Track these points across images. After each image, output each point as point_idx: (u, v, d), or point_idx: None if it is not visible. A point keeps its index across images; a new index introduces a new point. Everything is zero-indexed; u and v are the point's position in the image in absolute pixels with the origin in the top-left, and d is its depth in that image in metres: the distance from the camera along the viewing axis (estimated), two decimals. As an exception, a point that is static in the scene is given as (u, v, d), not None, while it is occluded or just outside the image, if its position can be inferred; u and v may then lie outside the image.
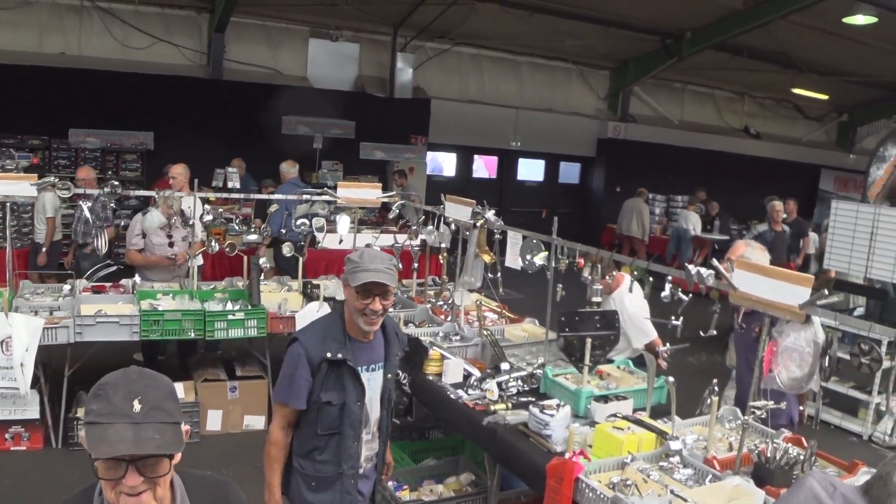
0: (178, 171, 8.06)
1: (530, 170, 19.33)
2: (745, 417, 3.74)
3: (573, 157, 19.55)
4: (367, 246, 4.60)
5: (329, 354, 3.45)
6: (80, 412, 6.36)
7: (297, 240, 7.43)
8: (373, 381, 3.64)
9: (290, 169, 10.49)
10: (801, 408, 4.61)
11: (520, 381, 5.04)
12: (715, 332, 4.12)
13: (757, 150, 20.74)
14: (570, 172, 19.90)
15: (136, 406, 1.87)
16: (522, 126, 17.77)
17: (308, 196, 7.83)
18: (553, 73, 18.23)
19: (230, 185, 11.26)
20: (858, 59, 16.63)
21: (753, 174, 19.72)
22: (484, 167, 18.85)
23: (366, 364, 3.60)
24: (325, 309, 6.55)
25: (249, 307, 6.72)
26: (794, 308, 3.35)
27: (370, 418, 3.67)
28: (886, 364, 7.79)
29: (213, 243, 7.22)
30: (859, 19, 13.02)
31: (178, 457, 2.01)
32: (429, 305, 6.70)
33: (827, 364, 3.32)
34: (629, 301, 5.30)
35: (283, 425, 3.59)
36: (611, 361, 5.34)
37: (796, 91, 19.78)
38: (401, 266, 7.50)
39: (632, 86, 18.63)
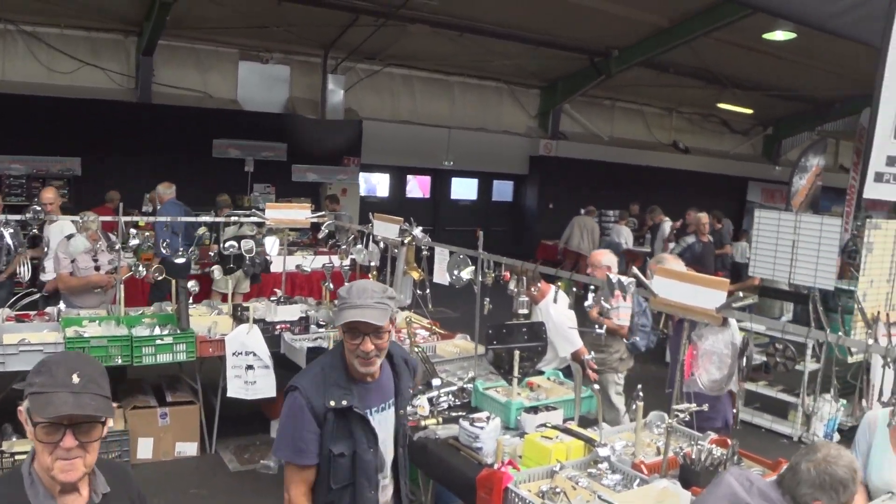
0: (48, 197, 7.86)
1: (464, 188, 19.48)
2: (670, 421, 3.80)
3: (506, 175, 19.74)
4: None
5: (333, 403, 3.05)
6: (6, 445, 6.18)
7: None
8: (384, 421, 3.24)
9: (166, 190, 10.26)
10: (734, 410, 4.69)
11: (451, 396, 5.06)
12: (637, 339, 4.19)
13: (686, 165, 21.17)
14: (503, 190, 20.09)
15: (76, 379, 2.16)
16: (455, 145, 17.86)
17: (237, 218, 7.75)
18: (484, 93, 18.39)
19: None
20: (780, 74, 17.09)
21: (683, 188, 20.08)
22: (418, 187, 18.90)
23: (375, 405, 3.20)
24: (255, 332, 6.51)
25: (178, 331, 6.61)
26: (712, 311, 3.42)
27: (385, 462, 3.29)
28: (813, 366, 8.00)
29: (140, 268, 7.10)
30: (779, 35, 13.39)
31: (106, 429, 2.24)
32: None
33: (744, 364, 3.39)
34: (554, 311, 5.36)
35: (304, 490, 3.15)
36: (541, 373, 5.39)
37: (722, 106, 20.26)
38: (332, 286, 7.50)
39: (562, 104, 18.87)
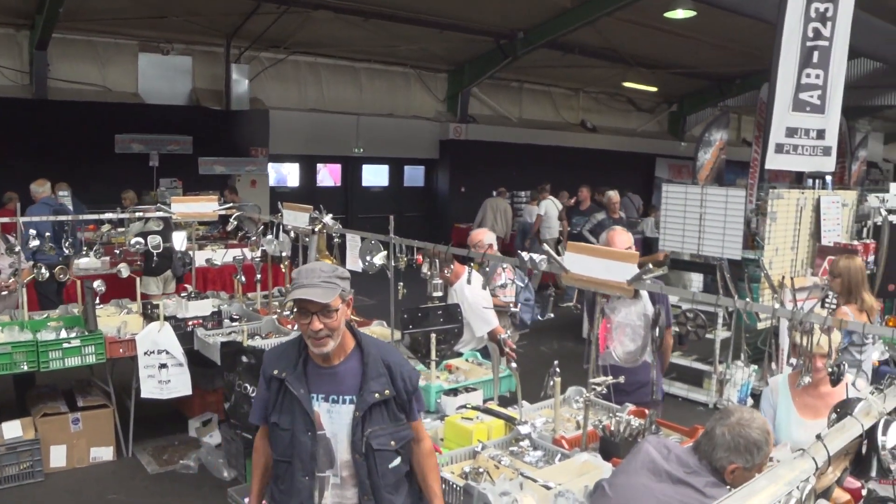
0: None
1: (375, 175, 19.40)
2: (587, 395, 3.83)
3: (417, 160, 19.73)
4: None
5: (276, 372, 3.14)
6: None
7: (52, 262, 7.07)
8: (336, 414, 3.12)
9: (39, 189, 9.82)
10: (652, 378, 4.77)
11: (370, 383, 5.01)
12: (552, 315, 4.22)
13: (595, 143, 21.52)
14: (414, 176, 20.09)
15: None
16: (364, 132, 17.78)
17: (142, 214, 7.54)
18: (392, 78, 18.31)
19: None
20: (681, 52, 17.50)
21: (593, 166, 20.39)
22: (329, 175, 18.73)
23: (324, 392, 3.12)
24: (167, 329, 6.36)
25: (86, 333, 6.40)
26: (623, 284, 3.45)
27: (336, 458, 3.14)
28: (725, 334, 8.22)
29: (42, 270, 6.84)
30: (679, 13, 13.64)
31: None
32: (275, 316, 6.58)
33: (657, 334, 3.44)
34: (469, 292, 5.35)
35: (263, 434, 3.34)
36: (460, 355, 5.40)
37: (627, 85, 20.63)
38: (244, 279, 7.38)
39: (470, 87, 18.91)
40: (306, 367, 3.15)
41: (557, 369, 4.04)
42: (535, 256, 3.78)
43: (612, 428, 3.90)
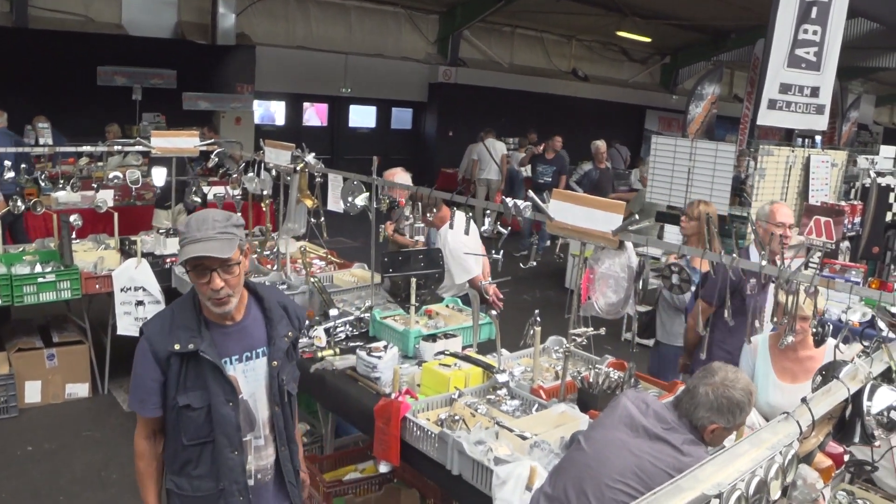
0: None
1: (362, 116, 19.14)
2: (567, 345, 3.79)
3: (405, 102, 19.47)
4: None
5: (178, 346, 2.76)
6: None
7: (9, 193, 6.92)
8: (251, 372, 2.93)
9: None
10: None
11: (348, 326, 4.97)
12: (535, 264, 4.14)
13: (585, 93, 21.31)
14: (402, 118, 19.85)
15: None
16: (353, 72, 17.49)
17: (120, 147, 7.39)
18: (382, 18, 17.94)
19: (41, 141, 10.60)
20: (679, 3, 17.24)
21: (582, 116, 20.29)
22: (315, 115, 18.49)
23: (237, 353, 2.89)
24: (144, 265, 6.27)
25: (62, 268, 6.30)
26: (608, 234, 3.38)
27: (256, 419, 2.96)
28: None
29: (17, 203, 6.70)
30: (679, -38, 13.41)
31: None
32: (255, 256, 6.50)
33: (640, 287, 3.37)
34: (451, 237, 5.26)
35: (146, 434, 2.95)
36: (441, 300, 5.34)
37: (621, 34, 20.35)
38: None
39: (461, 29, 18.58)
40: (210, 330, 2.85)
41: (538, 318, 3.99)
42: (520, 203, 3.70)
43: (591, 379, 3.86)
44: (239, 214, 2.91)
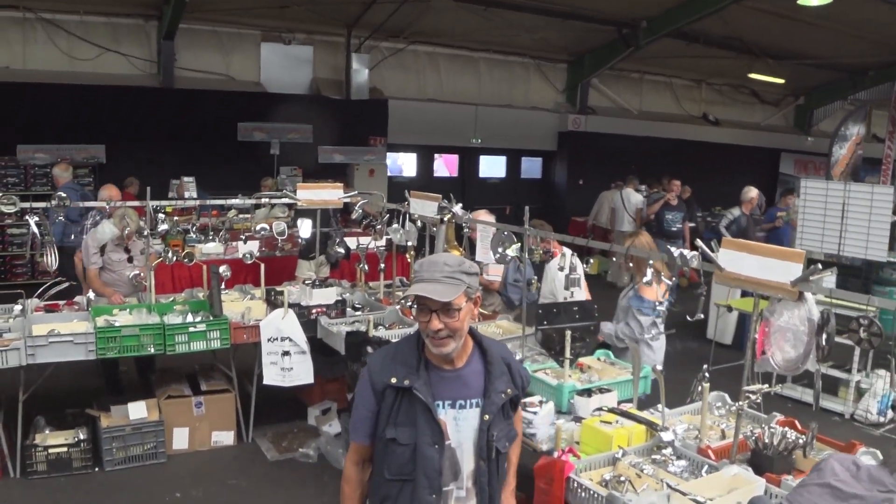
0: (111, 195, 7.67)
1: (492, 166, 19.16)
2: (741, 403, 3.57)
3: (534, 151, 19.39)
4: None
5: (394, 380, 2.80)
6: (39, 438, 6.06)
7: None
8: (462, 421, 2.88)
9: (62, 173, 9.87)
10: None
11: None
12: (702, 316, 3.95)
13: (717, 137, 20.78)
14: (531, 167, 19.75)
15: None
16: (482, 122, 17.57)
17: (267, 200, 7.56)
18: (511, 68, 18.06)
19: (186, 195, 11.02)
20: (813, 42, 16.67)
21: (714, 160, 19.77)
22: (444, 166, 18.62)
23: (451, 399, 2.87)
24: (291, 316, 6.33)
25: (211, 318, 6.44)
26: (787, 285, 3.18)
27: (461, 469, 2.90)
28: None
29: (169, 254, 6.93)
30: (814, 1, 12.95)
31: None
32: (398, 307, 6.48)
33: (825, 342, 3.14)
34: (551, 274, 5.22)
35: (356, 460, 3.00)
36: (592, 353, 5.18)
37: (753, 76, 19.81)
38: (366, 268, 7.31)
39: (590, 77, 18.50)
40: (428, 371, 2.86)
41: (707, 374, 3.79)
42: (687, 253, 3.53)
43: (765, 440, 3.62)
44: (472, 262, 2.89)
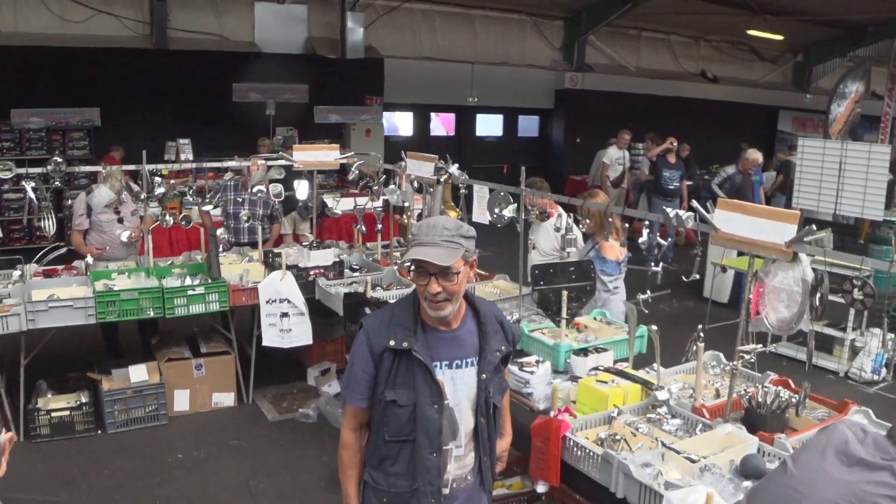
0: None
1: (489, 125, 19.07)
2: (735, 363, 3.60)
3: (531, 109, 19.29)
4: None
5: (392, 342, 2.84)
6: (41, 402, 6.12)
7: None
8: (459, 380, 2.94)
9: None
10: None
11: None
12: (697, 276, 3.97)
13: (715, 94, 20.68)
14: (529, 126, 19.66)
15: None
16: (479, 81, 17.47)
17: (264, 161, 7.53)
18: (507, 26, 17.89)
19: (182, 157, 10.97)
20: (813, -2, 16.57)
21: (712, 118, 19.70)
22: (441, 125, 18.54)
23: (447, 359, 2.91)
24: (289, 278, 6.36)
25: (209, 281, 6.45)
26: (781, 246, 3.19)
27: (458, 427, 2.98)
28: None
29: (166, 217, 6.93)
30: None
31: None
32: (395, 267, 6.50)
33: (818, 303, 3.16)
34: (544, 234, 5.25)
35: (353, 426, 3.04)
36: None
37: (751, 33, 19.67)
38: (364, 229, 7.32)
39: (587, 35, 18.34)
40: (425, 332, 2.89)
41: (701, 334, 3.82)
42: (682, 213, 3.54)
43: (759, 398, 3.66)
44: (469, 226, 2.90)
